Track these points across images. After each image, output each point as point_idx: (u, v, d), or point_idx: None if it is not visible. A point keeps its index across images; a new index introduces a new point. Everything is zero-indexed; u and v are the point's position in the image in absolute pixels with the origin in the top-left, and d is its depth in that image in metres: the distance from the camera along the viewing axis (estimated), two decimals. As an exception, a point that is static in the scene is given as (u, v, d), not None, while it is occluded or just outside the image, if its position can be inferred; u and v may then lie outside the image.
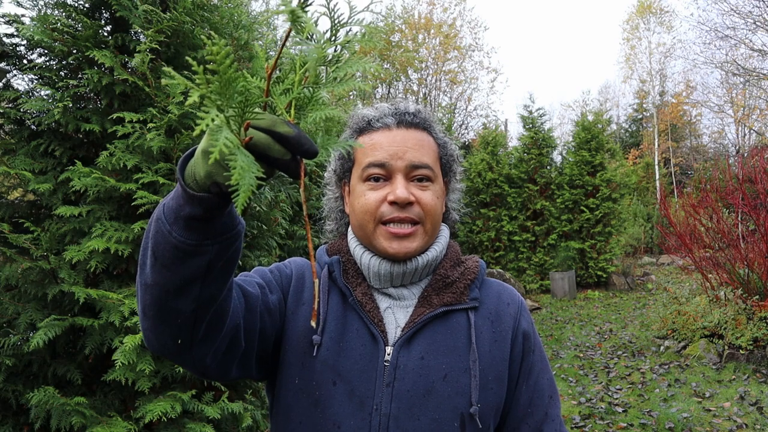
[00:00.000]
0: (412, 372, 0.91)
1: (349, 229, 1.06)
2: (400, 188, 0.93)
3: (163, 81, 0.58)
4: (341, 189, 1.07)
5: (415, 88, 22.78)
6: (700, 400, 4.61)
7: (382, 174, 0.96)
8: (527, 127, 11.97)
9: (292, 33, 0.62)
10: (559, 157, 12.34)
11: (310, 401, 0.92)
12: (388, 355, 0.93)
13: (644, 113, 27.37)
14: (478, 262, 1.05)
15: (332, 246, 1.06)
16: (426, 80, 22.61)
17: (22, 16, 2.54)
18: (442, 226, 1.06)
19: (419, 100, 22.56)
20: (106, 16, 2.81)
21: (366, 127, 1.01)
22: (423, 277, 1.00)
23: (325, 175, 1.12)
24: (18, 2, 2.57)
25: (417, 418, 0.89)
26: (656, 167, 22.18)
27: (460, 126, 22.49)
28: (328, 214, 1.11)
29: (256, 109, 0.62)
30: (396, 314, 0.97)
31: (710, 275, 6.30)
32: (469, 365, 0.92)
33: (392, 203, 0.94)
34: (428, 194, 0.96)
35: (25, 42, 2.61)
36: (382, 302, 0.99)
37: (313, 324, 0.68)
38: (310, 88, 0.67)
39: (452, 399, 0.90)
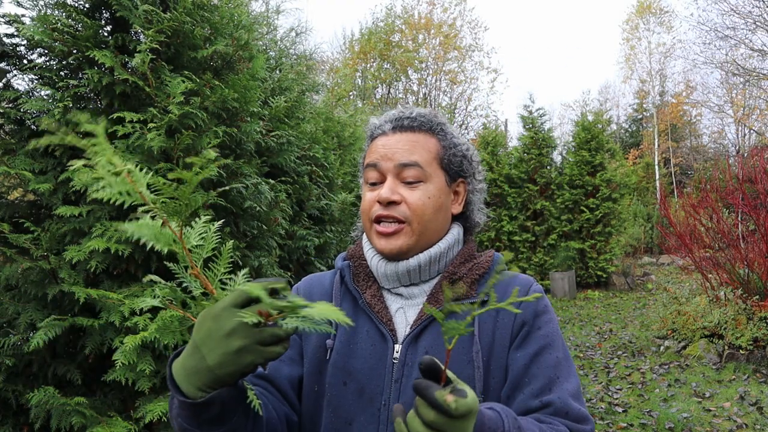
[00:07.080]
0: (417, 367, 0.94)
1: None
2: (384, 188, 1.00)
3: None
4: None
5: (415, 88, 22.78)
6: (700, 400, 4.62)
7: (378, 176, 1.03)
8: (527, 127, 11.96)
9: None
10: (559, 157, 12.35)
11: (326, 403, 0.99)
12: (397, 352, 0.97)
13: (644, 113, 27.36)
14: (492, 257, 1.06)
15: (349, 251, 1.13)
16: (426, 80, 22.61)
17: (22, 16, 2.54)
18: (453, 225, 1.09)
19: (419, 100, 22.55)
20: (106, 16, 2.81)
21: (372, 134, 1.10)
22: (434, 275, 1.03)
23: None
24: (18, 2, 2.57)
25: None
26: (656, 167, 22.18)
27: (460, 126, 22.47)
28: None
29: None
30: (407, 313, 1.02)
31: (710, 275, 6.30)
32: (473, 356, 0.94)
33: (380, 202, 1.01)
34: (416, 194, 1.00)
35: (25, 42, 2.61)
36: (394, 303, 1.04)
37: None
38: None
39: None
